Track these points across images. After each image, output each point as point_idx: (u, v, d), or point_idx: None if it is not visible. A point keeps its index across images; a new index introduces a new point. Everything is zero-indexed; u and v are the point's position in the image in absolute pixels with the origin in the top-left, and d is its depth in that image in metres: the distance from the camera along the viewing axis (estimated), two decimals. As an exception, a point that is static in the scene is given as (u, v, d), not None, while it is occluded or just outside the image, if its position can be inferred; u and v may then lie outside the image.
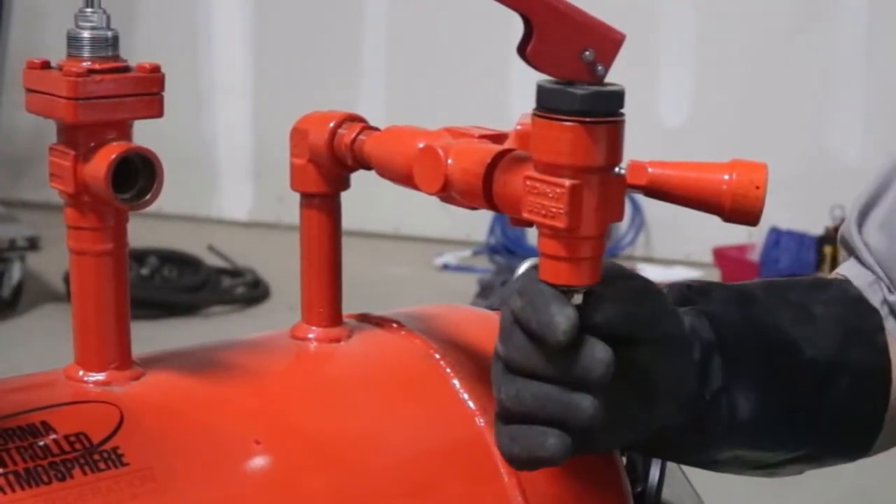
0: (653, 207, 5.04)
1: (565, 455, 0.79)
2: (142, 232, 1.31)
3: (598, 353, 0.78)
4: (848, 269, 1.02)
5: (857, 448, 0.97)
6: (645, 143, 3.72)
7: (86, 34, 0.82)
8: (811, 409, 0.92)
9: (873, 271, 1.00)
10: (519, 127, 0.80)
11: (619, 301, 0.81)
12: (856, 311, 0.96)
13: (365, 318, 0.98)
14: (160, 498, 0.77)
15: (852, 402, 0.94)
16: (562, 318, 0.76)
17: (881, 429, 0.96)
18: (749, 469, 0.96)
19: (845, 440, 0.96)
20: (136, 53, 1.18)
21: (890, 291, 0.98)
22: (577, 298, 0.78)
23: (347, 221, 0.96)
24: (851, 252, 1.03)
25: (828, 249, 4.29)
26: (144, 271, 4.77)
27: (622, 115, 0.75)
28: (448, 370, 0.91)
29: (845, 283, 0.99)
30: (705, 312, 0.90)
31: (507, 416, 0.81)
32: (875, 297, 0.99)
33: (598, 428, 0.80)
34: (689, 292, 0.92)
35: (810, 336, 0.92)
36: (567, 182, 0.74)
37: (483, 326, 0.97)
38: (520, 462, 0.81)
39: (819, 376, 0.92)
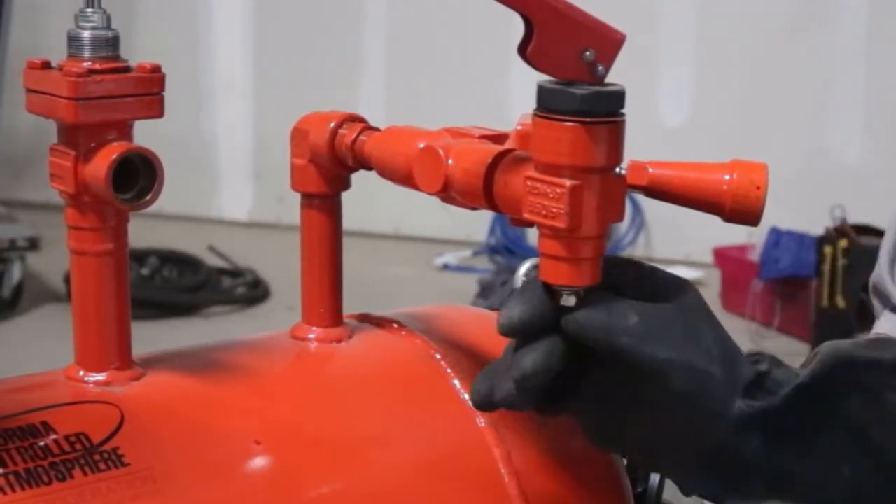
0: (653, 207, 5.04)
1: (482, 401, 0.82)
2: (142, 232, 1.31)
3: (523, 362, 0.78)
4: (883, 325, 0.99)
5: None
6: (645, 143, 3.72)
7: (86, 34, 0.82)
8: (879, 497, 0.85)
9: None
10: (519, 127, 0.80)
11: (601, 318, 0.78)
12: None
13: (365, 319, 0.98)
14: (160, 498, 0.77)
15: None
16: (505, 313, 0.78)
17: None
18: None
19: None
20: (136, 53, 1.18)
21: None
22: (570, 300, 0.78)
23: (347, 221, 0.96)
24: (886, 300, 1.01)
25: (828, 249, 4.28)
26: (144, 271, 4.77)
27: (622, 115, 0.75)
28: (448, 370, 0.91)
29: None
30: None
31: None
32: None
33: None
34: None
35: (875, 421, 0.84)
36: (567, 182, 0.74)
37: (483, 326, 0.97)
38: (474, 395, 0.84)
39: (886, 466, 0.84)
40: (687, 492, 0.85)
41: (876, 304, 1.03)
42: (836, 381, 0.83)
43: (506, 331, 0.78)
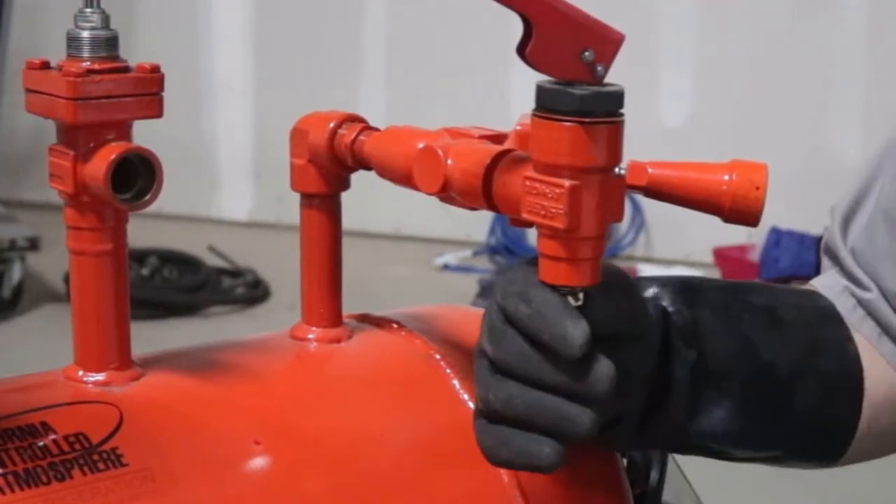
0: (653, 207, 5.04)
1: (558, 464, 0.79)
2: (142, 232, 1.31)
3: (604, 369, 0.77)
4: (820, 280, 1.02)
5: (827, 455, 0.96)
6: (645, 143, 3.72)
7: (85, 34, 0.82)
8: (778, 412, 0.92)
9: (853, 275, 0.99)
10: (518, 127, 0.80)
11: (608, 298, 0.80)
12: (825, 319, 0.96)
13: (365, 319, 0.98)
14: (160, 498, 0.77)
15: (821, 409, 0.93)
16: (578, 332, 0.76)
17: (852, 437, 0.95)
18: (715, 458, 0.95)
19: (814, 446, 0.95)
20: (136, 53, 1.18)
21: (865, 291, 0.98)
22: (577, 300, 0.78)
23: (347, 221, 0.96)
24: (834, 260, 1.03)
25: (828, 249, 4.28)
26: (144, 271, 4.77)
27: (622, 115, 0.75)
28: (448, 371, 0.91)
29: (814, 294, 0.99)
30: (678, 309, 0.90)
31: (493, 417, 0.80)
32: (847, 302, 0.98)
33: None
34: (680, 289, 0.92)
35: (775, 341, 0.92)
36: (566, 182, 0.74)
37: (483, 327, 0.97)
38: (505, 465, 0.81)
39: (786, 380, 0.92)
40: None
41: (825, 262, 1.05)
42: (721, 300, 0.92)
43: (585, 350, 0.76)
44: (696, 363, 0.89)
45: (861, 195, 1.02)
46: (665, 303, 0.90)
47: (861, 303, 0.98)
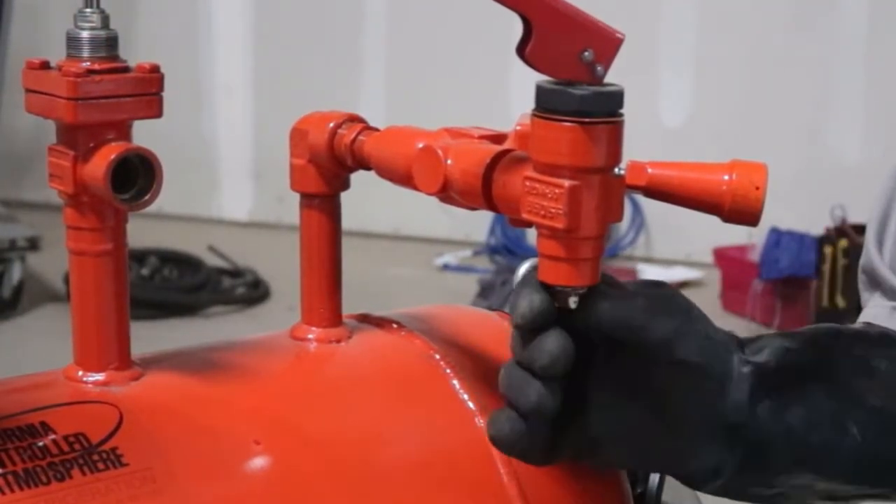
0: (653, 207, 5.04)
1: (509, 441, 0.81)
2: (142, 232, 1.31)
3: (547, 344, 0.78)
4: (868, 312, 1.00)
5: None
6: (645, 143, 3.72)
7: (85, 34, 0.82)
8: (880, 460, 0.87)
9: None
10: (518, 127, 0.80)
11: (621, 306, 0.80)
12: None
13: (365, 319, 0.98)
14: (159, 498, 0.77)
15: None
16: (525, 301, 0.77)
17: None
18: (819, 500, 0.90)
19: None
20: (136, 53, 1.18)
21: None
22: (573, 302, 0.78)
23: (347, 221, 0.96)
24: (875, 284, 1.01)
25: (828, 249, 4.28)
26: (144, 271, 4.77)
27: (621, 115, 0.75)
28: (448, 370, 0.91)
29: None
30: (755, 349, 0.85)
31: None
32: None
33: (547, 418, 0.80)
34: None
35: (871, 388, 0.87)
36: (566, 183, 0.74)
37: (483, 327, 0.97)
38: (491, 438, 0.83)
39: (884, 431, 0.86)
40: (703, 479, 0.84)
41: (863, 290, 1.03)
42: (824, 348, 0.87)
43: (528, 318, 0.77)
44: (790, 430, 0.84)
45: (885, 216, 1.02)
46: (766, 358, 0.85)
47: None
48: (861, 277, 1.04)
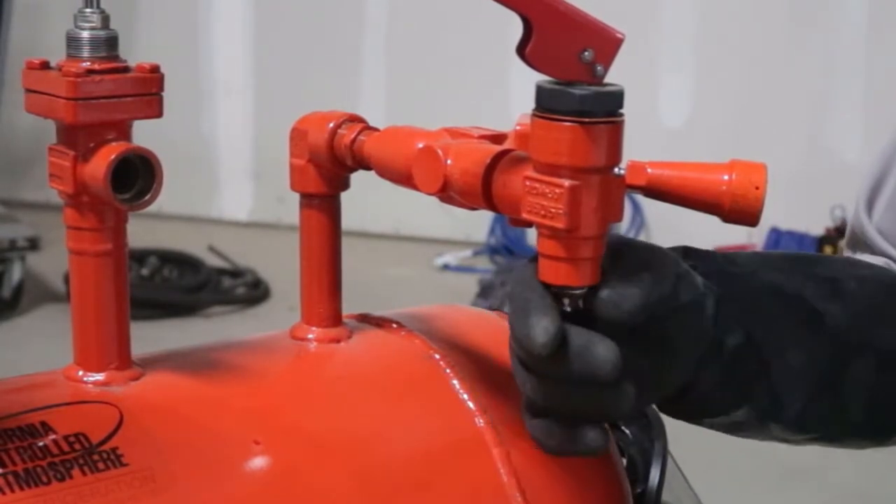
0: (653, 207, 5.04)
1: (604, 445, 0.81)
2: (142, 232, 1.31)
3: (600, 354, 0.77)
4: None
5: (882, 433, 0.95)
6: (645, 143, 3.72)
7: (85, 34, 0.82)
8: (833, 387, 0.90)
9: (886, 253, 0.99)
10: (518, 127, 0.80)
11: (639, 289, 0.79)
12: (888, 292, 0.94)
13: (365, 319, 0.98)
14: (159, 498, 0.77)
15: (878, 385, 0.91)
16: (540, 329, 0.76)
17: None
18: (771, 438, 0.94)
19: (870, 425, 0.94)
20: (136, 53, 1.18)
21: None
22: (575, 300, 0.78)
23: (347, 221, 0.96)
24: (862, 244, 1.02)
25: (828, 249, 4.28)
26: (144, 271, 4.77)
27: (622, 115, 0.75)
28: (448, 370, 0.91)
29: (880, 267, 0.97)
30: (722, 273, 0.88)
31: (536, 410, 0.82)
32: None
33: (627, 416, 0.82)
34: (694, 252, 0.90)
35: (835, 311, 0.90)
36: (566, 182, 0.74)
37: (483, 327, 0.97)
38: (558, 453, 0.83)
39: (842, 352, 0.90)
40: (714, 410, 0.87)
41: (847, 248, 1.05)
42: (786, 269, 0.90)
43: (551, 344, 0.76)
44: (751, 336, 0.87)
45: (880, 179, 1.02)
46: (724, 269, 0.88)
47: None
48: (848, 237, 1.05)
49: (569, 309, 0.78)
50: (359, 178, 0.93)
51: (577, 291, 0.78)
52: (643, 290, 0.79)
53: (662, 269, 0.82)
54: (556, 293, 0.78)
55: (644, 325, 0.80)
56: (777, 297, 0.89)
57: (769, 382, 0.88)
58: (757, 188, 0.79)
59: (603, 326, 0.79)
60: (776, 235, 4.64)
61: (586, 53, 0.75)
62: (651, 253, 0.83)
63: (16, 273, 4.53)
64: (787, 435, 0.92)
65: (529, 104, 0.76)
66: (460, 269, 5.26)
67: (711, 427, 0.92)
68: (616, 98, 0.75)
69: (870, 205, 1.02)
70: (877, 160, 1.03)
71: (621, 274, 0.79)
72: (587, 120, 0.74)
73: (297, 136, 0.92)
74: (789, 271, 0.91)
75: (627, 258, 0.80)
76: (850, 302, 0.91)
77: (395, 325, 0.96)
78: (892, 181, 1.01)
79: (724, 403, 0.89)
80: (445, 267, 5.29)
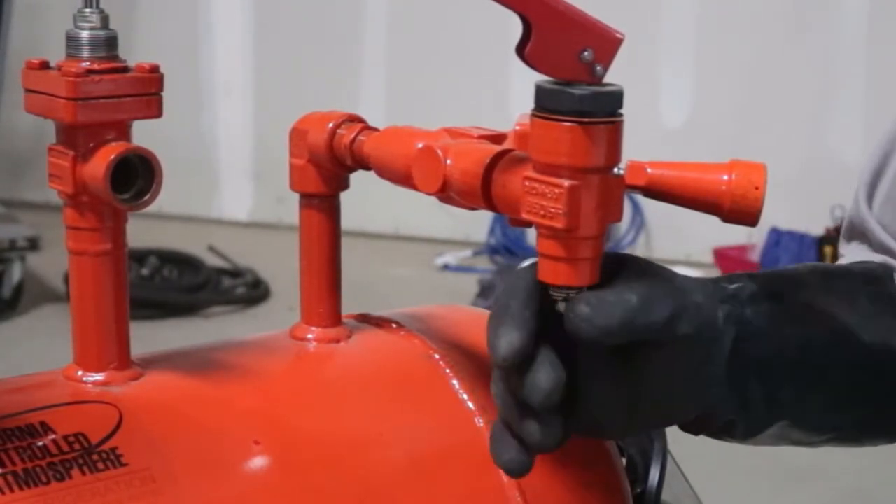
0: (653, 207, 5.04)
1: (521, 472, 0.80)
2: (142, 232, 1.31)
3: (539, 381, 0.77)
4: (856, 256, 1.01)
5: None
6: (645, 143, 3.72)
7: (85, 34, 0.82)
8: (858, 395, 0.89)
9: (885, 247, 0.99)
10: (518, 127, 0.80)
11: (620, 309, 0.77)
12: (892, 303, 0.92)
13: (364, 319, 0.98)
14: (159, 498, 0.77)
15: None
16: (504, 342, 0.76)
17: None
18: (789, 445, 0.93)
19: (889, 422, 0.93)
20: (136, 53, 1.18)
21: None
22: (562, 306, 0.78)
23: (347, 221, 0.96)
24: (860, 235, 1.02)
25: (828, 249, 4.29)
26: (144, 271, 4.77)
27: (621, 115, 0.75)
28: (447, 370, 0.91)
29: (887, 277, 0.96)
30: (742, 299, 0.86)
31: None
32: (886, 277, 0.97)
33: (552, 449, 0.80)
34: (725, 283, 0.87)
35: (859, 324, 0.88)
36: (566, 182, 0.74)
37: (483, 327, 0.97)
38: (493, 457, 0.82)
39: (872, 363, 0.89)
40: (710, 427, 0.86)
41: (843, 237, 1.04)
42: (808, 285, 0.88)
43: (511, 359, 0.76)
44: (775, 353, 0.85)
45: (879, 169, 1.02)
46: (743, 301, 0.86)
47: None
48: (846, 226, 1.04)
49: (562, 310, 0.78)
50: (359, 178, 0.93)
51: (576, 293, 0.78)
52: (623, 311, 0.77)
53: (659, 295, 0.79)
54: (554, 294, 0.78)
55: (629, 351, 0.79)
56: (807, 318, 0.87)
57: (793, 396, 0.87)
58: (757, 188, 0.79)
59: (582, 341, 0.78)
60: (776, 235, 4.64)
61: (586, 53, 0.75)
62: (654, 277, 0.81)
63: (16, 273, 4.53)
64: (804, 437, 0.91)
65: (529, 104, 0.76)
66: (460, 269, 5.26)
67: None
68: (616, 98, 0.75)
69: (869, 196, 1.02)
70: (876, 150, 1.02)
71: (608, 290, 0.78)
72: (587, 120, 0.74)
73: (297, 136, 0.92)
74: (816, 290, 0.89)
75: (627, 277, 0.79)
76: (867, 315, 0.89)
77: (394, 325, 0.96)
78: (891, 173, 1.00)
79: (747, 432, 0.87)
80: (445, 267, 5.29)
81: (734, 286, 0.85)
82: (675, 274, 0.83)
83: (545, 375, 0.77)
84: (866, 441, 0.95)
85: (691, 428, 0.87)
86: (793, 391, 0.87)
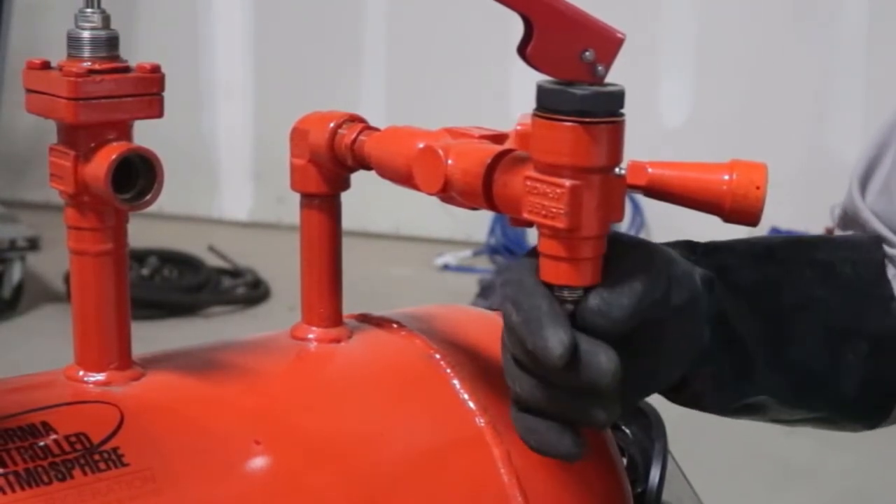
0: (653, 207, 5.04)
1: (580, 454, 0.81)
2: (142, 232, 1.31)
3: (602, 365, 0.77)
4: None
5: (873, 416, 0.97)
6: (645, 143, 3.72)
7: (86, 34, 0.82)
8: (826, 371, 0.92)
9: (883, 238, 1.00)
10: (519, 127, 0.80)
11: (628, 298, 0.78)
12: (878, 275, 0.96)
13: (365, 319, 0.98)
14: (160, 498, 0.77)
15: (868, 368, 0.93)
16: (556, 342, 0.76)
17: None
18: (769, 421, 0.96)
19: (862, 406, 0.95)
20: (136, 53, 1.18)
21: (893, 248, 0.98)
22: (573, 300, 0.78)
23: (347, 221, 0.96)
24: (854, 225, 1.03)
25: (828, 249, 4.27)
26: (144, 271, 4.77)
27: (622, 115, 0.75)
28: (448, 370, 0.91)
29: (874, 247, 0.99)
30: (719, 267, 0.89)
31: (522, 406, 0.82)
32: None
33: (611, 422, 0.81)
34: (701, 248, 0.91)
35: (828, 298, 0.91)
36: (567, 182, 0.74)
37: (483, 326, 0.97)
38: (535, 451, 0.82)
39: (835, 339, 0.92)
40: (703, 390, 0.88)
41: (837, 228, 1.06)
42: (786, 256, 0.92)
43: (567, 356, 0.76)
44: (751, 324, 0.88)
45: (874, 160, 1.02)
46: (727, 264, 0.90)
47: (893, 260, 0.98)
48: (839, 215, 1.05)
49: (571, 307, 0.78)
50: (359, 178, 0.93)
51: (578, 292, 0.78)
52: (632, 298, 0.78)
53: (655, 273, 0.81)
54: (556, 293, 0.78)
55: (633, 331, 0.80)
56: (776, 291, 0.90)
57: (763, 371, 0.90)
58: (757, 188, 0.80)
59: (592, 332, 0.78)
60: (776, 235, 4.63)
61: (587, 53, 0.75)
62: (644, 254, 0.82)
63: (16, 273, 4.53)
64: (781, 415, 0.94)
65: (530, 104, 0.76)
66: (460, 269, 5.26)
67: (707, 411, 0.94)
68: (617, 98, 0.75)
69: (863, 187, 1.03)
70: (871, 141, 1.03)
71: (611, 280, 0.78)
72: (588, 120, 0.74)
73: (298, 135, 0.92)
74: (789, 261, 0.93)
75: (619, 261, 0.79)
76: (844, 286, 0.93)
77: (395, 325, 0.96)
78: (887, 164, 1.01)
79: (720, 402, 0.90)
80: (445, 267, 5.29)
81: (705, 253, 0.90)
82: (655, 245, 0.85)
83: (606, 358, 0.77)
84: (843, 423, 0.97)
85: (669, 394, 0.89)
86: (765, 362, 0.89)
